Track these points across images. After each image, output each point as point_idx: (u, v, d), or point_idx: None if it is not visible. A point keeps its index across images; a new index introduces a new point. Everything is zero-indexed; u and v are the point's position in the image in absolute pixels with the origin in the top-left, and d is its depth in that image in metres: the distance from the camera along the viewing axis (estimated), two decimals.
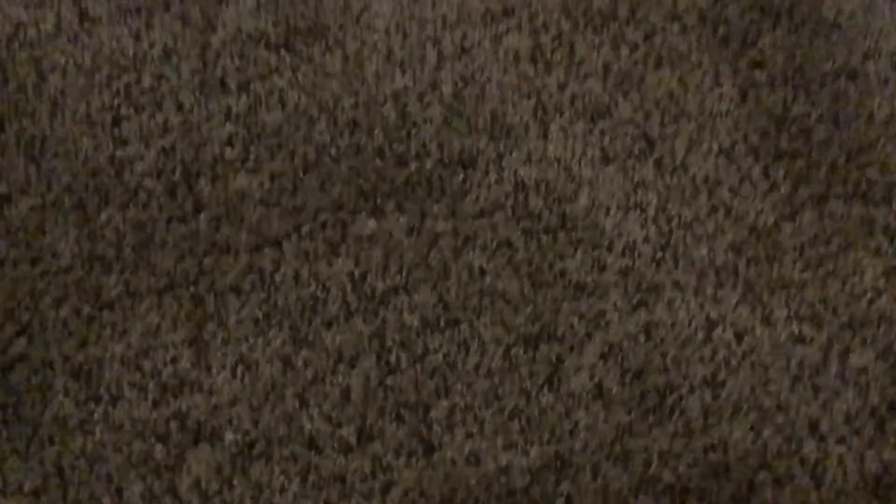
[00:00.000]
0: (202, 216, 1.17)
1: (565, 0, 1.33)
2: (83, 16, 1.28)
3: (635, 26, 1.31)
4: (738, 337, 1.12)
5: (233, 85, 1.26)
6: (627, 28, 1.31)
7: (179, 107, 1.24)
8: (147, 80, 1.25)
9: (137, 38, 1.27)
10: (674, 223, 1.19)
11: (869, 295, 1.15)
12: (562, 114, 1.26)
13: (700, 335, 1.12)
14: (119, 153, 1.20)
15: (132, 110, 1.23)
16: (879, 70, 1.29)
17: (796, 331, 1.12)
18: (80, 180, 1.18)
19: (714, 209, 1.20)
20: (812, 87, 1.28)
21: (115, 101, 1.23)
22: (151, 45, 1.27)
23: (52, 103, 1.22)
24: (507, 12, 1.33)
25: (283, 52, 1.29)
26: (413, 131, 1.24)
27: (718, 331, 1.13)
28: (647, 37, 1.31)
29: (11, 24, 1.28)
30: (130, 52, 1.26)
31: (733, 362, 1.11)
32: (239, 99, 1.25)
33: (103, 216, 1.16)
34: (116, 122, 1.22)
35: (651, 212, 1.20)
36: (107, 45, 1.26)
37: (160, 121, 1.22)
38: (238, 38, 1.29)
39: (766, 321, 1.13)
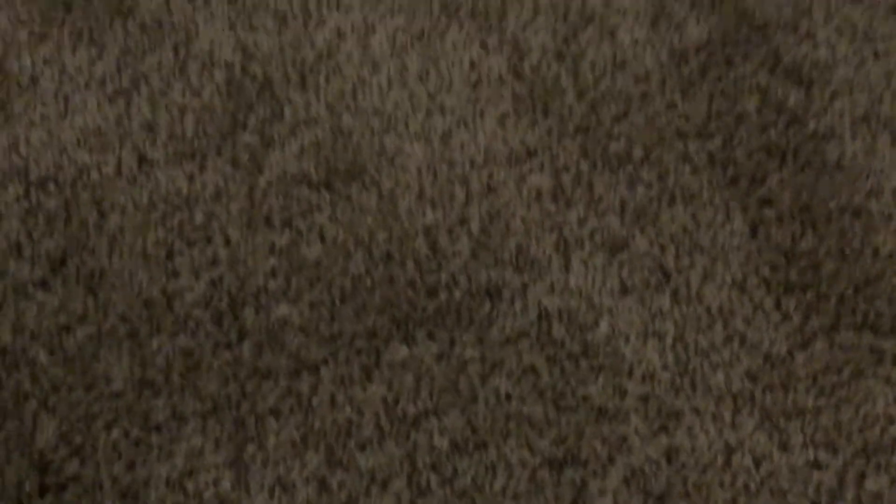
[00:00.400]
0: (245, 343, 1.24)
1: (584, 143, 1.43)
2: (142, 160, 1.40)
3: (649, 167, 1.40)
4: (757, 462, 1.16)
5: (277, 221, 1.35)
6: (642, 168, 1.40)
7: (227, 242, 1.33)
8: (199, 218, 1.35)
9: (191, 179, 1.38)
10: (691, 351, 1.25)
11: (881, 422, 1.18)
12: (582, 247, 1.33)
13: (720, 460, 1.16)
14: (171, 285, 1.29)
15: (184, 245, 1.32)
16: (882, 207, 1.36)
17: (812, 457, 1.16)
18: (134, 310, 1.26)
19: (729, 338, 1.26)
20: (819, 224, 1.35)
21: (169, 238, 1.32)
22: (204, 186, 1.37)
23: (111, 239, 1.32)
24: (530, 154, 1.42)
25: (323, 191, 1.38)
26: (443, 263, 1.32)
27: (737, 456, 1.16)
28: (661, 177, 1.39)
29: (76, 168, 1.39)
30: (185, 193, 1.37)
31: (752, 487, 1.14)
32: (282, 234, 1.34)
33: (154, 343, 1.24)
34: (170, 256, 1.31)
35: (669, 340, 1.25)
36: (163, 186, 1.37)
37: (209, 255, 1.31)
38: (283, 179, 1.39)
39: (783, 447, 1.17)
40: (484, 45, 1.51)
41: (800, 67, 1.48)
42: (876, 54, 1.50)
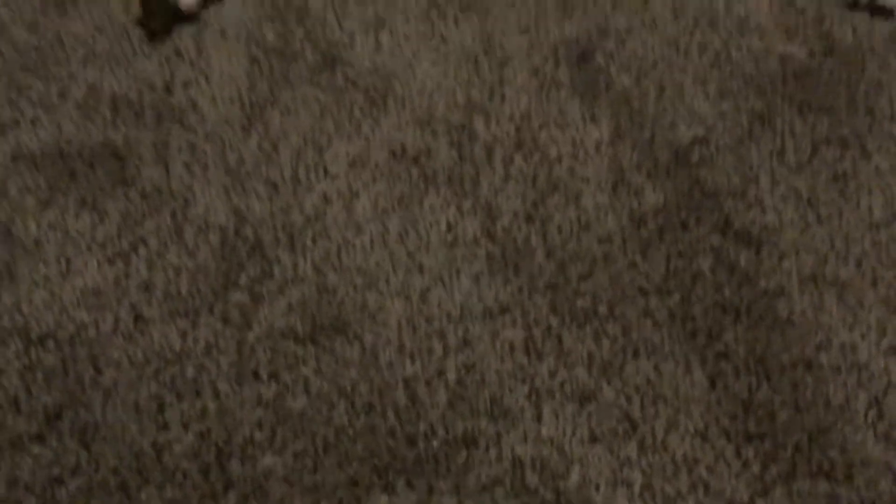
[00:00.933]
0: (231, 494, 1.29)
1: (553, 300, 1.52)
2: (138, 318, 1.47)
3: (614, 322, 1.49)
4: None
5: (264, 374, 1.42)
6: (607, 323, 1.49)
7: (217, 395, 1.39)
8: (190, 372, 1.41)
9: (184, 336, 1.46)
10: (658, 499, 1.30)
11: None
12: (553, 398, 1.40)
13: None
14: (161, 437, 1.34)
15: (175, 398, 1.38)
16: (831, 360, 1.44)
17: None
18: (124, 462, 1.31)
19: (694, 486, 1.31)
20: (773, 376, 1.43)
21: (161, 391, 1.39)
22: (196, 342, 1.45)
23: (105, 394, 1.38)
24: (503, 310, 1.50)
25: (309, 345, 1.45)
26: (422, 413, 1.37)
27: None
28: (625, 331, 1.48)
29: (75, 326, 1.46)
30: (177, 348, 1.44)
31: None
32: (269, 387, 1.40)
33: (143, 495, 1.28)
34: (161, 409, 1.37)
35: (637, 489, 1.31)
36: (157, 343, 1.44)
37: (199, 407, 1.37)
38: (271, 334, 1.46)
39: None
40: (459, 209, 1.63)
41: (749, 231, 1.60)
42: (819, 219, 1.63)
